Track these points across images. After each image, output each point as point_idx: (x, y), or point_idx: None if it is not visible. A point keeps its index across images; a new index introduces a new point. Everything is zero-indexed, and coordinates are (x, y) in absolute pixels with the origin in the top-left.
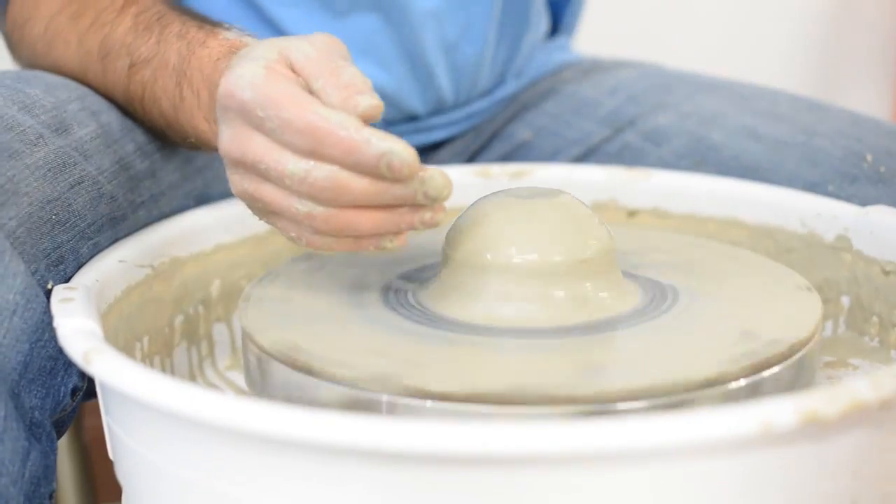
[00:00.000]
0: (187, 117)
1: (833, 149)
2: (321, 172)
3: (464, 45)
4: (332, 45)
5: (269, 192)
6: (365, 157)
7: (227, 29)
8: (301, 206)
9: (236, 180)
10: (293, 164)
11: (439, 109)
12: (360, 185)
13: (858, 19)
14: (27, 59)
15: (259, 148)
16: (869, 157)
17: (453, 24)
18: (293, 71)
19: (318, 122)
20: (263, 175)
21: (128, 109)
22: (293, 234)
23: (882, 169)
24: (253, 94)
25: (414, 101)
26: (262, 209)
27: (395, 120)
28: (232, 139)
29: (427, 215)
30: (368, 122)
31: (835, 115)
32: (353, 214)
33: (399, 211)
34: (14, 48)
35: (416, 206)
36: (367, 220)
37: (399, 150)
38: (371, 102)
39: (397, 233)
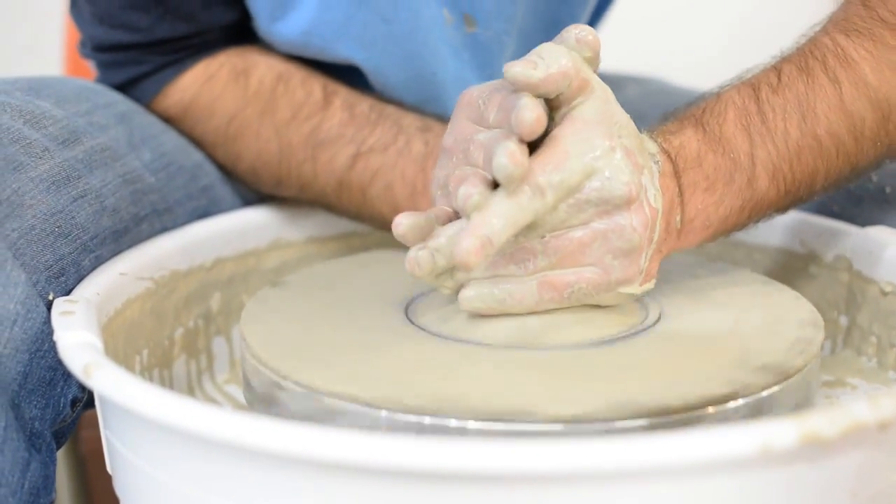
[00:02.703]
0: (428, 202)
1: None
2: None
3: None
4: None
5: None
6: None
7: None
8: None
9: (438, 170)
10: (482, 134)
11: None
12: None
13: None
14: (200, 142)
15: (464, 128)
16: (874, 178)
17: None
18: None
19: (509, 96)
20: (462, 153)
21: (336, 196)
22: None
23: (888, 189)
24: (479, 91)
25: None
26: (440, 188)
27: None
28: (450, 129)
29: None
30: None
31: None
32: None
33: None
34: (177, 125)
35: None
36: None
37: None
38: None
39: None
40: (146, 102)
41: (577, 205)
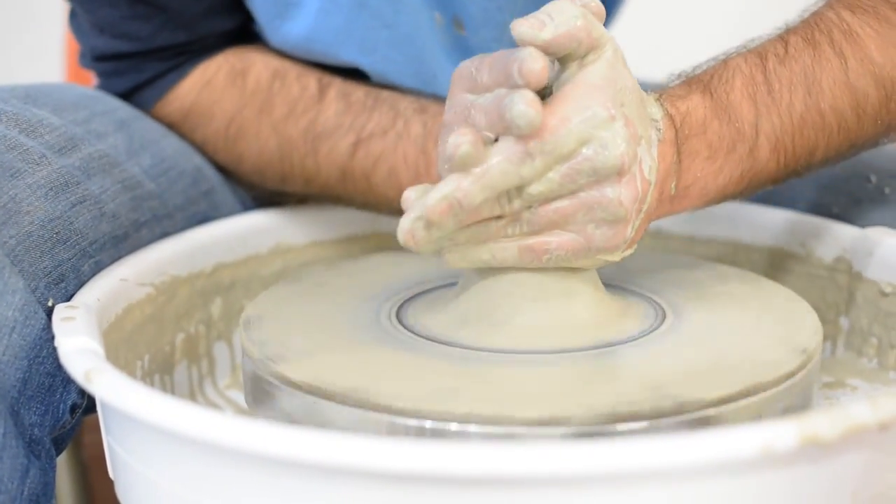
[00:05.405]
0: (433, 181)
1: (837, 170)
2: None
3: None
4: None
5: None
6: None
7: None
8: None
9: (441, 145)
10: (482, 98)
11: None
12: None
13: None
14: (201, 146)
15: (461, 99)
16: (873, 179)
17: None
18: None
19: (501, 55)
20: (463, 121)
21: (341, 185)
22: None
23: (886, 191)
24: (470, 62)
25: None
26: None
27: None
28: (448, 104)
29: None
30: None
31: None
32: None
33: None
34: (179, 130)
35: None
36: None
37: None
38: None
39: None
40: (148, 109)
41: (569, 174)
